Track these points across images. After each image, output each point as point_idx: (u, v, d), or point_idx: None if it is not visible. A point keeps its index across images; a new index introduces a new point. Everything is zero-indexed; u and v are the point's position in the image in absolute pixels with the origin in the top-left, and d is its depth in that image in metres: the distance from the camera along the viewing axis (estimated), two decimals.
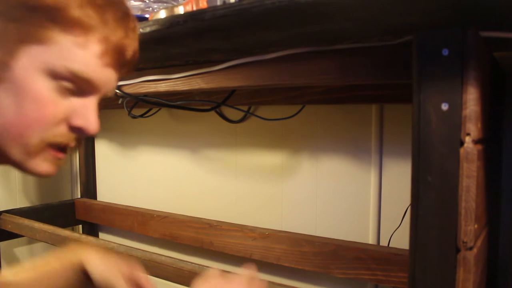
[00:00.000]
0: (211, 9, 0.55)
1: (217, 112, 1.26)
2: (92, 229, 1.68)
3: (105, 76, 0.46)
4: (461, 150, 0.45)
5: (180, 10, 0.75)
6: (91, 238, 1.12)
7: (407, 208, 0.94)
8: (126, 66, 0.49)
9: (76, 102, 0.46)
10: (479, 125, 0.48)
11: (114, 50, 0.45)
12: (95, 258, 0.65)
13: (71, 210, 1.63)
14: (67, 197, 1.77)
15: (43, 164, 0.46)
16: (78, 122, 0.46)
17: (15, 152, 0.44)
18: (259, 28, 0.60)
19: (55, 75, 0.43)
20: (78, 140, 0.49)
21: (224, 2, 0.68)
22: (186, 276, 0.89)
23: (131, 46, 0.48)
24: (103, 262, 0.64)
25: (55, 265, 0.65)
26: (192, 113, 1.26)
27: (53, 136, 0.45)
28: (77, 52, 0.43)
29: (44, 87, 0.43)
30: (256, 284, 0.60)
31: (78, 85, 0.45)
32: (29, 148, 0.44)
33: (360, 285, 1.06)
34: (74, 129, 0.47)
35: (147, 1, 0.93)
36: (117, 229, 1.59)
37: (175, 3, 0.92)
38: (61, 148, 0.47)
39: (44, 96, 0.43)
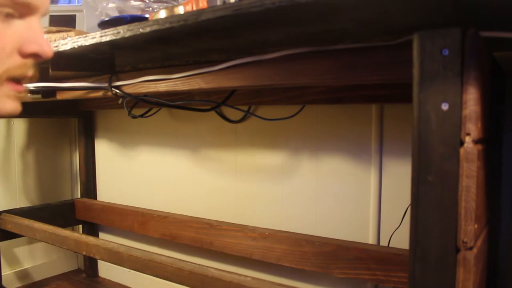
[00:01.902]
0: (211, 9, 0.55)
1: (217, 112, 1.26)
2: (92, 229, 1.68)
3: None
4: (461, 150, 0.45)
5: (180, 10, 0.75)
6: (91, 238, 1.12)
7: (407, 208, 0.94)
8: None
9: (20, 28, 0.45)
10: (479, 125, 0.48)
11: None
12: None
13: (71, 210, 1.63)
14: (67, 197, 1.77)
15: (6, 102, 0.46)
16: (31, 48, 0.45)
17: None
18: (259, 28, 0.60)
19: None
20: (34, 68, 0.48)
21: (224, 2, 0.68)
22: (186, 276, 0.88)
23: None
24: None
25: None
26: (192, 113, 1.26)
27: (8, 69, 0.45)
28: None
29: None
30: None
31: (17, 9, 0.44)
32: None
33: (360, 285, 1.06)
34: (29, 56, 0.46)
35: (147, 1, 0.94)
36: (117, 229, 1.59)
37: (175, 3, 0.92)
38: (19, 80, 0.47)
39: None
